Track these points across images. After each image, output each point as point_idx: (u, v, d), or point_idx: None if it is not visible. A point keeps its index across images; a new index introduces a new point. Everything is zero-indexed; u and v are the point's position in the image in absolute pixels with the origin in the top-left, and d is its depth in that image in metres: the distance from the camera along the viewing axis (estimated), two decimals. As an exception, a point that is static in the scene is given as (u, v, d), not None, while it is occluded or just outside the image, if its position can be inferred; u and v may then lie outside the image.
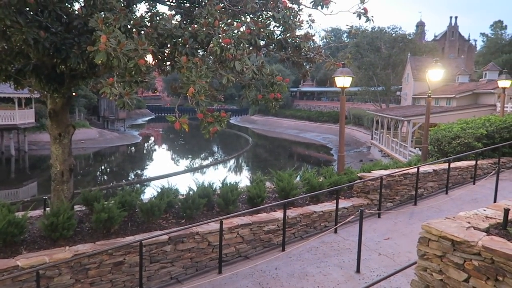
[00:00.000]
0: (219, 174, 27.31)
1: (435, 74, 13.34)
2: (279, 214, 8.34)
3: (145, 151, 42.95)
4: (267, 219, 8.11)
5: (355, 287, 6.30)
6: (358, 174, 10.71)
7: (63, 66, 6.21)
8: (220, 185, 9.13)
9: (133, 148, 41.81)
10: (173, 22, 6.03)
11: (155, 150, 45.07)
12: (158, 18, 6.21)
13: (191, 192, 8.37)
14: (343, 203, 9.63)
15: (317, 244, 8.06)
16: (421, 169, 11.08)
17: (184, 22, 6.91)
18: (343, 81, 10.71)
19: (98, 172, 30.66)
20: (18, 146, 32.29)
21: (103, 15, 5.05)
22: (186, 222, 7.70)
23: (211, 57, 5.57)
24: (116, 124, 51.19)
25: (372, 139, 37.78)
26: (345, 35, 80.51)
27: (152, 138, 53.15)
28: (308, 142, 49.81)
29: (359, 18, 6.10)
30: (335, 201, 9.13)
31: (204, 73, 4.77)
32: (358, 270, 6.83)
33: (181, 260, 7.01)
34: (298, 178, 10.58)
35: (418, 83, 36.26)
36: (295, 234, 8.62)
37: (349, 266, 7.06)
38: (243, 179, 10.81)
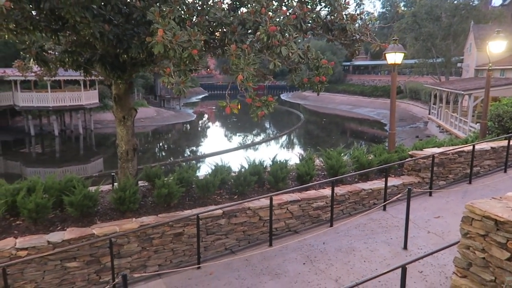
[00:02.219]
0: (271, 151, 27.79)
1: (497, 46, 12.53)
2: (327, 191, 8.59)
3: (199, 129, 44.45)
4: (315, 196, 8.40)
5: (401, 263, 6.47)
6: (409, 152, 10.58)
7: (125, 55, 6.78)
8: (271, 163, 9.52)
9: (188, 125, 43.43)
10: (222, 6, 6.34)
11: (208, 127, 46.46)
12: (208, 3, 6.54)
13: (242, 170, 8.83)
14: (393, 181, 9.64)
15: (365, 221, 8.25)
16: (477, 147, 10.69)
17: (234, 5, 7.17)
18: (394, 57, 10.49)
19: (156, 149, 32.36)
20: (85, 125, 34.90)
21: (159, 8, 5.47)
22: (238, 198, 8.20)
23: (258, 42, 5.82)
24: (171, 102, 53.24)
25: (429, 114, 36.15)
26: (402, 3, 76.14)
27: (206, 116, 54.69)
28: (361, 118, 48.68)
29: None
30: (384, 179, 9.18)
31: (252, 60, 5.05)
32: (405, 247, 6.97)
33: (234, 233, 7.55)
34: (347, 156, 10.70)
35: (481, 53, 33.80)
36: (343, 211, 8.85)
37: (396, 243, 7.20)
38: (293, 156, 11.07)
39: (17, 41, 6.75)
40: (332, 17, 6.34)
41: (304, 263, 6.71)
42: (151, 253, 6.81)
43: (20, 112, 32.77)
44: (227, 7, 6.95)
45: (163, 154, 31.24)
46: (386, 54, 10.50)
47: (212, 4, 6.47)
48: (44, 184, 7.16)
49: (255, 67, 4.91)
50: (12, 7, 5.15)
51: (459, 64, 42.85)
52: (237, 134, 39.76)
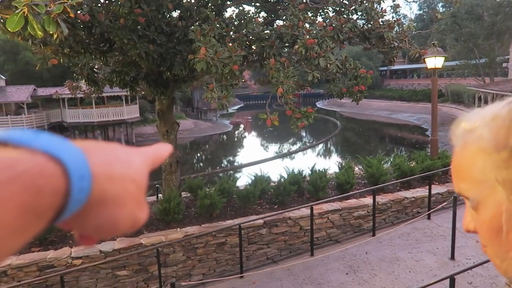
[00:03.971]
0: (308, 160, 27.65)
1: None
2: (368, 200, 8.49)
3: (236, 139, 44.99)
4: (356, 205, 8.32)
5: (448, 273, 6.28)
6: (454, 158, 10.24)
7: (168, 73, 7.11)
8: (309, 172, 9.54)
9: (224, 136, 44.07)
10: (258, 19, 6.53)
11: (245, 137, 46.93)
12: (245, 18, 6.76)
13: (282, 180, 8.91)
14: (437, 189, 9.37)
15: (408, 230, 8.07)
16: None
17: (270, 17, 7.35)
18: (434, 62, 10.26)
19: (195, 160, 33.08)
20: (127, 139, 36.28)
21: (200, 27, 5.73)
22: (278, 208, 8.28)
23: (296, 55, 5.95)
24: (208, 114, 54.29)
25: (473, 117, 34.57)
26: (440, 4, 73.91)
27: (242, 126, 55.29)
28: (400, 123, 47.41)
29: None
30: (427, 186, 8.95)
31: (291, 73, 5.17)
32: (452, 257, 6.76)
33: (275, 243, 7.62)
34: (388, 164, 10.52)
35: (529, 52, 32.13)
36: (385, 219, 8.70)
37: (442, 252, 7.00)
38: (332, 165, 11.02)
39: (70, 64, 7.26)
40: (369, 25, 6.37)
41: (347, 273, 6.66)
42: (196, 262, 7.01)
43: (68, 128, 34.64)
44: (262, 21, 7.14)
45: (201, 165, 31.87)
46: (426, 59, 10.29)
47: (248, 19, 6.68)
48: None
49: (294, 80, 5.03)
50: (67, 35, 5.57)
51: (504, 64, 40.90)
52: (274, 143, 39.88)
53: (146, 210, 0.42)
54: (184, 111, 49.46)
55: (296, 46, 5.32)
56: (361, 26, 6.42)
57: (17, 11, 3.03)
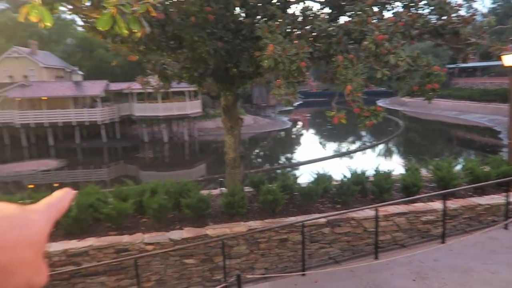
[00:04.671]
0: (368, 160, 26.88)
1: None
2: (437, 205, 8.09)
3: (294, 136, 44.87)
4: (424, 209, 7.98)
5: (529, 289, 5.83)
6: (536, 165, 9.44)
7: (234, 69, 7.28)
8: (373, 173, 9.29)
9: (283, 133, 44.13)
10: (324, 17, 6.45)
11: (303, 135, 46.65)
12: (309, 14, 6.71)
13: (345, 179, 8.77)
14: (516, 197, 8.68)
15: (483, 239, 7.57)
16: None
17: (334, 13, 7.23)
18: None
19: (253, 156, 33.50)
20: (190, 133, 37.64)
21: (267, 24, 5.79)
22: (341, 207, 8.16)
23: (365, 51, 5.81)
24: (267, 110, 54.68)
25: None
26: (520, -4, 67.75)
27: (300, 123, 54.99)
28: (469, 125, 44.40)
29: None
30: (505, 193, 8.33)
31: (360, 70, 5.07)
32: (534, 271, 6.24)
33: (338, 243, 7.54)
34: (458, 167, 9.94)
35: None
36: (456, 226, 8.24)
37: (522, 265, 6.49)
38: (395, 166, 10.62)
39: (144, 60, 7.69)
40: (442, 21, 6.03)
41: (414, 280, 6.41)
42: (258, 256, 7.14)
43: (136, 121, 36.69)
44: (327, 17, 7.04)
45: (260, 160, 32.21)
46: (503, 56, 9.53)
47: (313, 16, 6.62)
48: (164, 187, 7.98)
49: (363, 77, 4.92)
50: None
51: None
52: (332, 142, 39.25)
53: (44, 273, 0.40)
54: (244, 107, 50.21)
55: (366, 42, 5.19)
56: (434, 22, 6.10)
57: (105, 11, 3.28)
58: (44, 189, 8.12)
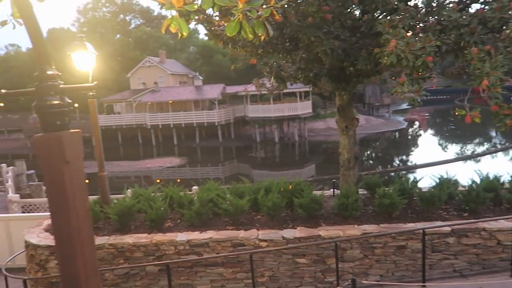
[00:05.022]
0: (500, 164, 23.70)
1: None
2: None
3: (410, 137, 41.95)
4: None
5: None
6: None
7: (351, 68, 7.09)
8: (510, 179, 8.16)
9: (397, 133, 41.61)
10: (454, 6, 5.86)
11: (420, 135, 43.32)
12: (435, 4, 6.16)
13: (473, 185, 7.87)
14: None
15: None
16: None
17: (463, 2, 6.54)
18: None
19: (365, 157, 32.27)
20: (300, 133, 37.99)
21: (388, 19, 5.50)
22: (468, 216, 7.34)
23: (505, 41, 5.13)
24: (380, 110, 52.16)
25: None
26: None
27: (418, 123, 51.14)
28: None
29: None
30: None
31: (500, 62, 4.49)
32: None
33: (465, 255, 6.80)
34: None
35: None
36: None
37: None
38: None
39: (261, 63, 7.99)
40: None
41: None
42: (373, 262, 6.85)
43: (249, 122, 38.43)
44: (456, 6, 6.39)
45: (371, 162, 30.90)
46: None
47: (439, 5, 6.08)
48: (278, 186, 8.18)
49: (504, 70, 4.34)
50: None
51: None
52: (454, 143, 35.61)
53: None
54: (355, 107, 48.61)
55: (508, 31, 4.56)
56: None
57: (233, 17, 3.49)
58: (170, 183, 9.00)
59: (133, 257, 6.87)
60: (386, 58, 4.97)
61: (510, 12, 5.02)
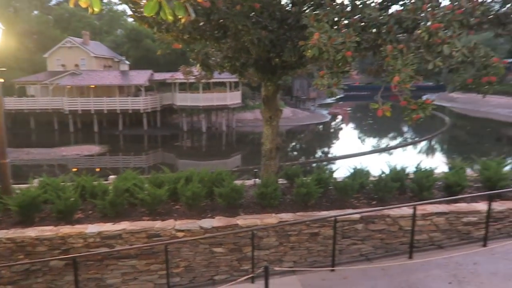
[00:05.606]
0: (409, 157, 25.92)
1: None
2: (481, 206, 7.62)
3: (332, 130, 44.11)
4: (466, 210, 7.54)
5: None
6: None
7: (277, 59, 7.15)
8: (414, 170, 8.89)
9: (321, 126, 43.50)
10: (375, 5, 6.17)
11: (342, 129, 45.74)
12: (359, 3, 6.43)
13: (383, 175, 8.45)
14: None
15: (530, 245, 7.06)
16: None
17: (385, 3, 6.91)
18: None
19: (290, 148, 33.28)
20: (228, 123, 38.00)
21: (314, 13, 5.60)
22: (377, 204, 7.87)
23: (416, 41, 5.50)
24: (307, 103, 54.06)
25: None
26: None
27: (340, 117, 53.93)
28: (524, 124, 41.63)
29: None
30: (559, 198, 7.71)
31: (410, 60, 4.80)
32: None
33: (371, 240, 7.29)
34: (508, 167, 9.30)
35: None
36: (500, 230, 7.73)
37: None
38: (438, 164, 10.10)
39: (188, 49, 7.74)
40: (506, 8, 5.57)
41: (449, 283, 6.09)
42: (288, 249, 7.05)
43: (177, 110, 37.52)
44: (378, 6, 6.72)
45: (296, 153, 31.95)
46: None
47: (363, 4, 6.35)
48: (199, 175, 8.05)
49: (413, 68, 4.64)
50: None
51: None
52: (372, 137, 38.20)
53: None
54: (283, 100, 49.90)
55: (418, 31, 4.89)
56: (496, 10, 5.65)
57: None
58: (85, 172, 8.42)
59: (35, 252, 6.31)
60: (309, 50, 5.06)
61: (422, 14, 5.36)
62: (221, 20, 6.41)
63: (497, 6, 5.77)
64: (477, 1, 5.31)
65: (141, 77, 37.94)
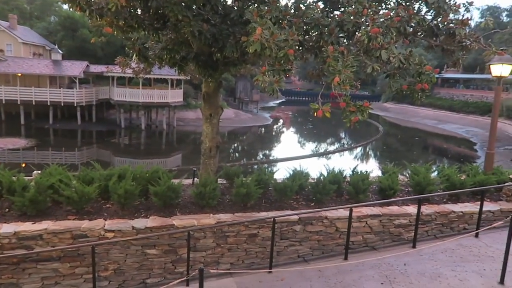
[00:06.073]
0: (346, 161, 26.97)
1: None
2: (412, 209, 7.99)
3: (274, 133, 44.71)
4: (398, 213, 7.86)
5: (497, 299, 5.75)
6: (511, 176, 9.47)
7: (218, 54, 6.93)
8: (351, 173, 9.13)
9: (263, 129, 43.91)
10: (319, 5, 6.19)
11: (283, 132, 46.54)
12: (303, 6, 6.43)
13: (321, 177, 8.56)
14: (489, 206, 8.68)
15: (453, 246, 7.51)
16: None
17: (327, 9, 6.99)
18: (500, 69, 9.46)
19: (231, 150, 33.16)
20: (169, 122, 36.96)
21: (257, 8, 5.48)
22: (315, 206, 7.95)
23: (356, 45, 5.58)
24: (250, 105, 54.31)
25: (529, 136, 32.41)
26: (504, 13, 69.66)
27: (282, 121, 54.89)
28: (447, 135, 45.24)
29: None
30: (478, 202, 8.31)
31: (350, 62, 4.83)
32: (502, 281, 6.18)
33: (309, 241, 7.32)
34: (435, 174, 9.90)
35: None
36: (428, 232, 8.16)
37: (491, 275, 6.43)
38: (373, 169, 10.51)
39: (123, 37, 7.24)
40: (438, 21, 5.85)
41: (382, 283, 6.26)
42: (225, 251, 6.85)
43: (114, 106, 35.76)
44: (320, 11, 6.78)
45: (237, 155, 31.90)
46: (491, 66, 9.52)
47: (307, 7, 6.36)
48: (133, 173, 7.58)
49: (353, 70, 4.68)
50: (125, 4, 5.51)
51: None
52: (311, 141, 39.28)
53: None
54: (226, 101, 49.74)
55: (359, 35, 4.95)
56: (429, 21, 5.92)
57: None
58: (3, 167, 7.57)
59: None
60: (251, 46, 4.92)
61: (363, 19, 5.44)
62: (161, 10, 6.07)
63: (430, 18, 6.04)
64: (413, 11, 5.51)
65: (75, 68, 35.65)
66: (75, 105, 33.82)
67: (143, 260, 6.38)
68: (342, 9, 6.96)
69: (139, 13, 6.76)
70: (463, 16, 6.14)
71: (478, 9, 66.73)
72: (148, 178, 7.55)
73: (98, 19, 6.34)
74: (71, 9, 6.54)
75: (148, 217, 6.76)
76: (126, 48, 7.81)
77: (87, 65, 37.04)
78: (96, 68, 36.86)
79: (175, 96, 35.75)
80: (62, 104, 34.07)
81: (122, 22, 6.47)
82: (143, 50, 7.58)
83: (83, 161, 24.32)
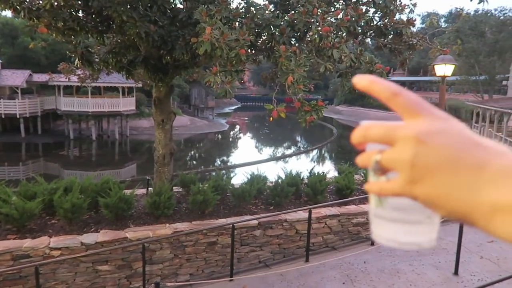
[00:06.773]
0: (303, 164, 27.30)
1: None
2: (368, 207, 8.11)
3: (231, 139, 44.52)
4: (356, 212, 7.94)
5: (453, 290, 5.91)
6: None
7: (168, 57, 6.67)
8: (308, 175, 9.15)
9: (220, 135, 43.58)
10: (269, 6, 6.14)
11: (240, 138, 46.47)
12: (253, 8, 6.36)
13: (279, 180, 8.50)
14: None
15: (409, 241, 7.69)
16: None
17: (278, 11, 6.97)
18: (444, 69, 9.94)
19: (188, 157, 32.56)
20: (121, 131, 35.62)
21: (206, 8, 5.32)
22: (274, 209, 7.86)
23: (308, 45, 5.56)
24: (205, 112, 53.73)
25: (471, 133, 34.46)
26: (442, 19, 74.11)
27: (238, 127, 54.82)
28: (396, 135, 47.17)
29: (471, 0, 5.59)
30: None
31: (303, 61, 4.78)
32: (456, 272, 6.38)
33: (269, 246, 7.20)
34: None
35: (530, 71, 32.09)
36: (385, 229, 8.32)
37: (445, 267, 6.63)
38: (329, 170, 10.63)
39: (63, 40, 6.79)
40: (385, 21, 5.99)
41: (343, 283, 6.26)
42: (183, 261, 6.57)
43: (62, 116, 33.95)
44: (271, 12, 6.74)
45: (195, 162, 31.36)
46: (435, 66, 9.96)
47: (257, 8, 6.29)
48: (80, 185, 7.10)
49: (305, 69, 4.62)
50: (62, 3, 5.13)
51: (504, 82, 40.96)
52: (268, 145, 39.49)
53: None
54: (181, 108, 48.84)
55: (310, 33, 4.93)
56: (378, 21, 6.04)
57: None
58: None
59: None
60: (202, 46, 4.73)
61: (313, 19, 5.44)
62: (104, 11, 5.73)
63: (378, 19, 6.18)
64: (362, 11, 5.59)
65: (16, 77, 33.50)
66: (18, 116, 31.74)
67: (95, 278, 5.95)
68: (292, 12, 6.98)
69: (81, 15, 6.37)
70: (408, 16, 6.34)
71: (419, 15, 70.63)
72: (98, 189, 7.10)
73: (35, 21, 5.88)
74: (4, 11, 6.00)
75: (98, 231, 6.33)
76: (67, 52, 7.32)
77: (30, 74, 34.92)
78: (40, 77, 34.83)
79: (127, 104, 34.54)
80: (3, 116, 31.87)
81: (61, 24, 6.04)
82: (87, 54, 7.14)
83: (28, 176, 22.81)
